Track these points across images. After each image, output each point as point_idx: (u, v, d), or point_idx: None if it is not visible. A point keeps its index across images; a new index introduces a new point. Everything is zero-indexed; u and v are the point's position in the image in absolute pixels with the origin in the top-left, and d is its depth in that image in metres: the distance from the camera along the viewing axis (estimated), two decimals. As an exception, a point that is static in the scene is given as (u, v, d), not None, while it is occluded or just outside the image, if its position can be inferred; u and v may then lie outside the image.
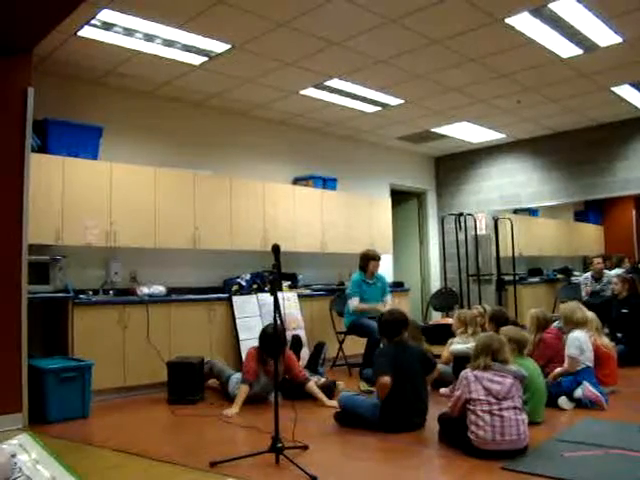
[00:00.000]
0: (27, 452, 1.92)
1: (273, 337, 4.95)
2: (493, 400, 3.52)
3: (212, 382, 5.73)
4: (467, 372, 3.71)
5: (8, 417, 4.31)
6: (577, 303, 5.47)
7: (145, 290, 6.00)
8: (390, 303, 6.64)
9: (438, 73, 6.38)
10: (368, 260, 6.61)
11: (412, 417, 4.20)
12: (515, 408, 3.54)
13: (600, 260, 8.12)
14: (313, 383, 5.19)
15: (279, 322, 3.77)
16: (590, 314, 5.31)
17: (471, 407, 3.57)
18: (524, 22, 5.16)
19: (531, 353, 4.79)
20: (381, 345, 4.69)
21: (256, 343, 5.29)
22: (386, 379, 4.11)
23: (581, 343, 4.85)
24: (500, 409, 3.50)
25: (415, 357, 4.43)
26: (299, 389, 5.13)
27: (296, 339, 6.19)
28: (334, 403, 4.82)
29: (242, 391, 4.95)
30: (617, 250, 9.92)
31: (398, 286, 8.63)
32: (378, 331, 4.71)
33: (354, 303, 6.46)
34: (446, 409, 3.87)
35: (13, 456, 1.87)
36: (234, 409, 4.82)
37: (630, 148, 8.37)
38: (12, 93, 4.57)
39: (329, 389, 5.32)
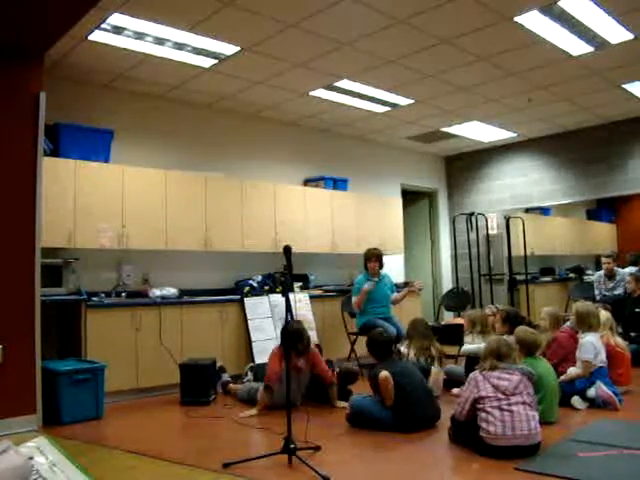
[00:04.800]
0: (44, 455, 1.94)
1: (295, 334, 4.85)
2: (501, 396, 3.56)
3: (233, 387, 5.71)
4: (475, 373, 3.77)
5: (23, 419, 4.35)
6: (593, 305, 5.41)
7: (157, 292, 6.03)
8: (398, 297, 6.81)
9: (448, 73, 6.36)
10: (365, 259, 6.74)
11: (424, 417, 4.21)
12: (524, 403, 3.55)
13: (610, 260, 8.04)
14: (335, 389, 5.11)
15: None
16: (605, 315, 5.27)
17: (480, 405, 3.59)
18: (534, 20, 5.13)
19: (543, 352, 4.77)
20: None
21: (268, 344, 5.29)
22: (384, 373, 4.18)
23: (596, 348, 4.83)
24: (509, 404, 3.52)
25: (409, 364, 4.67)
26: (323, 390, 5.10)
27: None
28: (343, 404, 4.83)
29: (263, 396, 4.85)
30: (630, 248, 9.82)
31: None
32: (368, 350, 4.72)
33: (353, 300, 6.61)
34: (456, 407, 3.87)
35: (30, 458, 1.89)
36: (253, 410, 4.81)
37: (642, 146, 8.31)
38: (24, 98, 4.61)
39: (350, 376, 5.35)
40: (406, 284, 7.28)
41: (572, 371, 4.83)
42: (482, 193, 10.21)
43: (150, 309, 5.78)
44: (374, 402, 4.39)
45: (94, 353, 5.25)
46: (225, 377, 5.82)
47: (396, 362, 4.61)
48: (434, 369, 4.95)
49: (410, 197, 10.19)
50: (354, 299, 6.58)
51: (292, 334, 4.81)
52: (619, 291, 7.79)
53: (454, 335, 6.38)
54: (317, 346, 6.29)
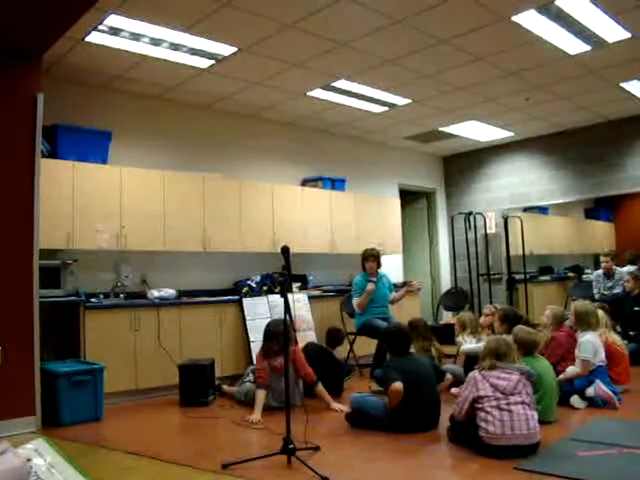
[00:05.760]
0: (42, 456, 1.93)
1: (280, 331, 4.76)
2: (500, 395, 3.56)
3: (228, 389, 5.69)
4: (474, 373, 3.76)
5: (22, 420, 4.34)
6: (592, 304, 5.40)
7: (156, 293, 6.02)
8: (396, 297, 6.81)
9: (445, 72, 6.36)
10: (363, 259, 6.73)
11: (424, 419, 4.19)
12: (523, 403, 3.55)
13: (608, 259, 8.03)
14: (321, 386, 5.07)
15: (289, 323, 3.76)
16: (599, 313, 5.27)
17: (479, 405, 3.59)
18: (531, 19, 5.14)
19: (542, 351, 4.77)
20: (387, 357, 4.61)
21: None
22: (397, 384, 4.07)
23: (594, 346, 4.82)
24: (508, 404, 3.52)
25: (426, 363, 4.51)
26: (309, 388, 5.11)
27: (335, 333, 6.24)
28: (340, 407, 4.83)
29: (259, 397, 4.78)
30: (628, 247, 9.82)
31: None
32: (385, 348, 4.68)
33: (355, 301, 6.56)
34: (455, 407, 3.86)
35: (28, 460, 1.87)
36: (256, 415, 4.64)
37: (640, 144, 8.32)
38: (22, 99, 4.61)
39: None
40: (405, 284, 7.28)
41: (571, 370, 4.83)
42: (480, 192, 10.21)
43: (149, 310, 5.78)
44: (374, 401, 4.39)
45: (93, 354, 5.24)
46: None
47: (414, 360, 4.47)
48: (449, 376, 4.88)
49: (408, 197, 10.19)
50: (356, 300, 6.53)
51: (271, 334, 5.00)
52: (618, 290, 7.79)
53: (452, 334, 6.38)
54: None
